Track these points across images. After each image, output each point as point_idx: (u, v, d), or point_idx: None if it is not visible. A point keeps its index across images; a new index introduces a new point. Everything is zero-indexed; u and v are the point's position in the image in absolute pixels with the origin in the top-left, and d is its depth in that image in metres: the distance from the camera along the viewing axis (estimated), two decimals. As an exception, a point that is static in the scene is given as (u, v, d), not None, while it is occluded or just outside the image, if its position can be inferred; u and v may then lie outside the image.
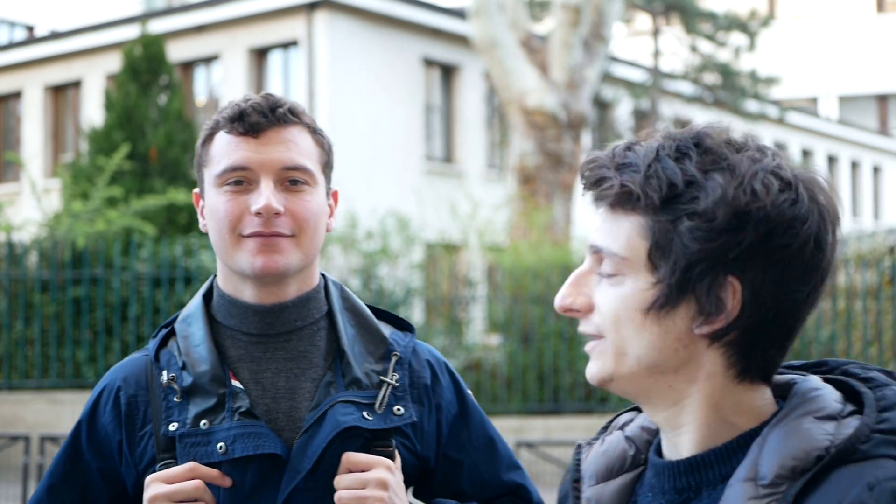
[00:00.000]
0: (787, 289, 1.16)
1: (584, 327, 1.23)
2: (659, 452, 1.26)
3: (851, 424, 1.14)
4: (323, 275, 1.90)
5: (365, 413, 1.78)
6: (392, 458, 1.78)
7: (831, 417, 1.16)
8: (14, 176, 22.41)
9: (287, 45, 19.71)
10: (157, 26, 18.35)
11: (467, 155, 21.10)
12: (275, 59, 20.06)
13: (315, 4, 18.92)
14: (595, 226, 1.24)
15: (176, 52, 18.59)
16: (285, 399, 1.79)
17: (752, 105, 23.91)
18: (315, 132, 1.84)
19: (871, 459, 1.11)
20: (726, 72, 23.38)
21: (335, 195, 1.90)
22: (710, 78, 23.82)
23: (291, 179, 1.77)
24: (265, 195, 1.74)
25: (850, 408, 1.18)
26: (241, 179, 1.77)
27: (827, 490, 1.09)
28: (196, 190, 1.89)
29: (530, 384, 11.83)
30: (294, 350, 1.81)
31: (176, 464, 1.74)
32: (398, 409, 1.81)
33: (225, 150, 1.78)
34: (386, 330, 1.90)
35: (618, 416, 1.38)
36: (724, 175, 1.15)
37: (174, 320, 1.88)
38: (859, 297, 11.84)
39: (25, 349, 12.03)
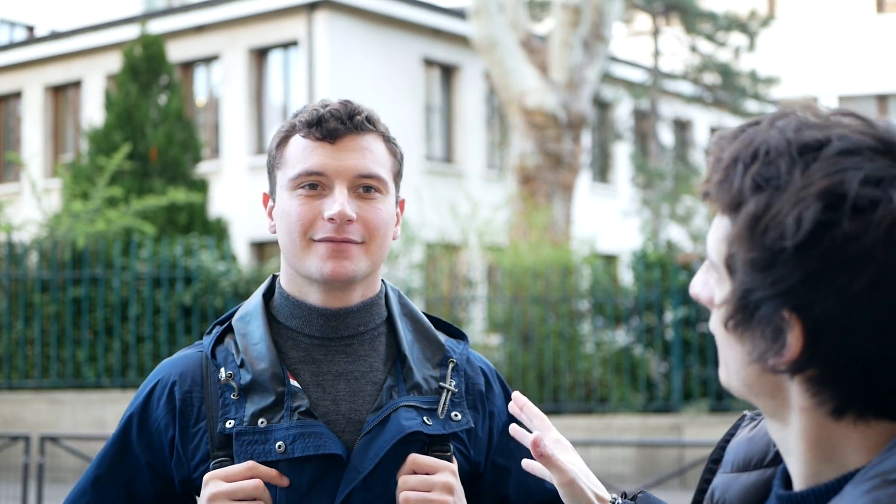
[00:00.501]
0: (869, 328, 0.99)
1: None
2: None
3: None
4: (383, 281, 1.92)
5: (426, 418, 1.79)
6: (451, 462, 1.80)
7: None
8: (14, 176, 22.42)
9: (287, 45, 19.71)
10: (157, 26, 18.36)
11: (467, 155, 21.11)
12: (275, 59, 20.07)
13: (315, 4, 18.93)
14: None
15: (176, 52, 18.59)
16: (345, 401, 1.79)
17: (751, 105, 23.91)
18: (389, 140, 1.86)
19: None
20: (726, 72, 23.37)
21: (402, 203, 1.92)
22: (710, 78, 23.81)
23: (365, 186, 1.78)
24: (339, 202, 1.75)
25: None
26: (315, 184, 1.77)
27: None
28: (265, 191, 1.89)
29: (530, 384, 11.83)
30: (355, 354, 1.82)
31: (231, 462, 1.74)
32: (456, 415, 1.83)
33: (301, 154, 1.79)
34: (441, 337, 1.92)
35: None
36: (767, 198, 1.02)
37: (230, 317, 1.88)
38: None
39: (25, 349, 12.04)
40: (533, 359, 11.88)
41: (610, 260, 19.29)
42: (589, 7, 15.31)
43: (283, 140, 1.83)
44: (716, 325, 1.09)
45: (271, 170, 1.85)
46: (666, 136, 24.61)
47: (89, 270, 11.82)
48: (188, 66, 20.67)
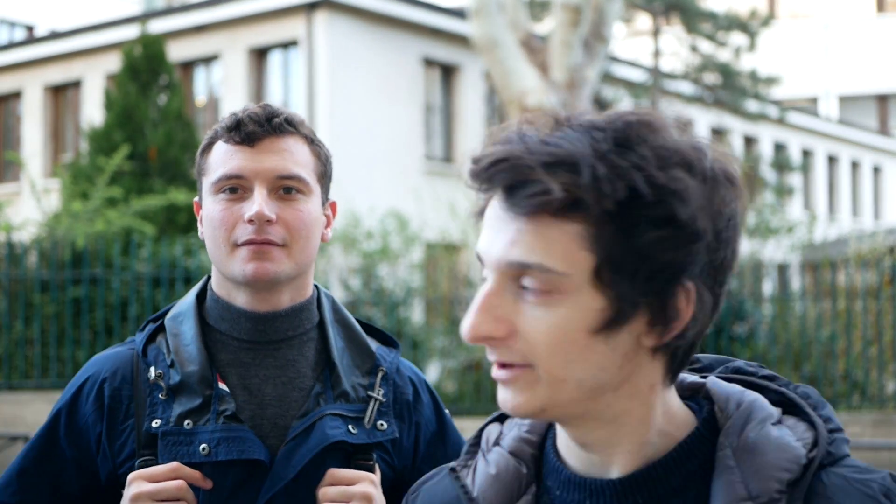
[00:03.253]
0: (721, 289, 1.07)
1: (502, 356, 1.05)
2: (555, 470, 1.15)
3: (800, 428, 1.10)
4: (316, 286, 1.92)
5: (350, 426, 1.80)
6: (373, 471, 1.81)
7: (779, 422, 1.11)
8: (14, 176, 22.42)
9: (287, 45, 19.71)
10: (156, 26, 18.35)
11: (467, 155, 21.08)
12: (275, 59, 20.06)
13: (315, 4, 18.92)
14: (504, 237, 1.04)
15: (176, 51, 18.58)
16: (272, 406, 1.80)
17: (752, 105, 23.92)
18: (312, 142, 1.85)
19: (842, 460, 1.09)
20: (726, 72, 23.37)
21: (333, 206, 1.91)
22: (711, 78, 23.81)
23: (285, 188, 1.79)
24: (258, 203, 1.75)
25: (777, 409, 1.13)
26: (235, 187, 1.79)
27: (824, 495, 1.06)
28: (196, 199, 1.91)
29: (530, 384, 11.82)
30: (283, 359, 1.83)
31: (156, 462, 1.75)
32: (381, 425, 1.84)
33: (221, 159, 1.81)
34: (373, 345, 1.92)
35: (481, 430, 1.24)
36: (687, 171, 1.02)
37: (162, 315, 1.89)
38: (859, 297, 11.84)
39: (25, 349, 12.03)
40: (533, 359, 11.87)
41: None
42: (589, 7, 15.31)
43: (207, 147, 1.85)
44: (557, 342, 1.02)
45: (198, 177, 1.87)
46: (666, 136, 24.56)
47: (89, 270, 11.81)
48: (188, 66, 20.67)
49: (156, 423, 1.77)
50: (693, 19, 22.96)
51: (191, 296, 1.88)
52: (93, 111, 20.10)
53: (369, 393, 1.85)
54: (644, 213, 1.00)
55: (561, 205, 1.00)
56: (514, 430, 1.20)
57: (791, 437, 1.09)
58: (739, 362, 1.21)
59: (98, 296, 11.74)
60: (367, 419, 1.82)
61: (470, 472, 1.20)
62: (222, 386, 1.79)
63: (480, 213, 1.12)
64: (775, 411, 1.12)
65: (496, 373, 1.07)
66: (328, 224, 1.89)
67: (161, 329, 1.87)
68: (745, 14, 23.40)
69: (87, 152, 14.10)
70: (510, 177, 1.03)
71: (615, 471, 1.10)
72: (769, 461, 1.06)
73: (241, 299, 1.82)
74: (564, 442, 1.15)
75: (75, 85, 22.14)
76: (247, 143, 1.79)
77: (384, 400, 1.86)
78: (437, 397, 1.99)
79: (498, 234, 1.05)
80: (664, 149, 1.02)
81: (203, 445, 1.74)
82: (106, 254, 11.92)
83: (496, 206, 1.07)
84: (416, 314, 12.53)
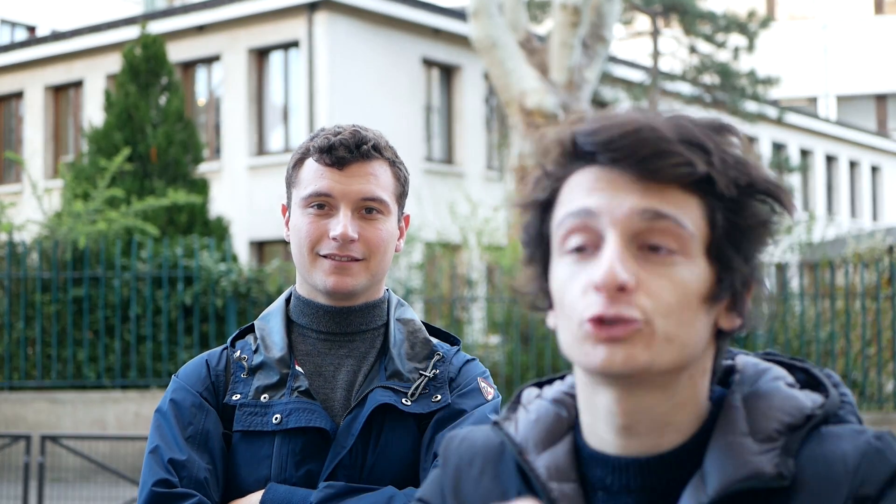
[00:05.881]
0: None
1: (624, 310, 1.07)
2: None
3: (814, 395, 1.18)
4: (387, 289, 2.15)
5: (403, 399, 1.99)
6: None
7: (793, 386, 1.19)
8: (15, 176, 22.44)
9: (287, 46, 19.72)
10: (157, 27, 18.37)
11: (467, 155, 21.12)
12: (275, 59, 20.08)
13: (315, 5, 18.94)
14: (631, 196, 1.10)
15: (176, 52, 18.61)
16: (341, 389, 2.02)
17: (750, 105, 23.93)
18: (394, 164, 2.07)
19: (846, 423, 1.16)
20: (725, 72, 23.39)
21: (406, 218, 2.14)
22: (709, 78, 23.83)
23: (367, 208, 2.02)
24: (343, 223, 1.99)
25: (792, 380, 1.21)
26: (323, 204, 2.01)
27: (820, 443, 1.12)
28: (283, 202, 2.13)
29: (530, 384, 11.85)
30: (355, 349, 2.06)
31: (230, 434, 1.98)
32: (436, 398, 2.02)
33: (312, 177, 2.02)
34: (433, 339, 2.12)
35: (520, 393, 1.30)
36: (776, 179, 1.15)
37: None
38: (858, 296, 11.87)
39: (26, 349, 12.05)
40: (532, 359, 11.91)
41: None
42: (588, 8, 15.33)
43: (299, 161, 2.07)
44: (677, 303, 1.08)
45: (288, 186, 2.09)
46: (665, 136, 24.57)
47: (90, 270, 11.84)
48: (189, 67, 20.69)
49: (236, 397, 2.00)
50: (692, 20, 22.98)
51: (280, 300, 2.13)
52: (94, 112, 20.12)
53: (421, 372, 2.04)
54: (756, 201, 1.13)
55: (694, 178, 1.10)
56: (556, 387, 1.28)
57: (801, 394, 1.17)
58: (751, 354, 1.28)
59: (99, 296, 11.76)
60: (411, 391, 2.00)
61: (512, 424, 1.26)
62: (298, 368, 2.01)
63: (556, 181, 1.17)
64: (791, 378, 1.20)
65: (600, 330, 1.08)
66: (401, 235, 2.12)
67: (250, 330, 2.11)
68: (743, 15, 23.42)
69: (88, 153, 14.12)
70: (650, 147, 1.09)
71: (647, 451, 1.15)
72: (774, 405, 1.14)
73: (321, 298, 2.06)
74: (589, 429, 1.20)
75: (76, 85, 22.16)
76: (336, 166, 2.01)
77: (432, 376, 2.04)
78: (482, 390, 2.08)
79: (618, 193, 1.11)
80: (750, 154, 1.15)
81: (276, 415, 1.95)
82: (107, 254, 11.94)
83: (608, 172, 1.12)
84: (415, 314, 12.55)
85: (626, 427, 1.14)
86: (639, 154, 1.09)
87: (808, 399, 1.17)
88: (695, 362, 1.13)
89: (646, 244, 1.09)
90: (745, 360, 1.23)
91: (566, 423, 1.23)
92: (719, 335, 1.15)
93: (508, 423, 1.26)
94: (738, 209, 1.12)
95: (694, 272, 1.09)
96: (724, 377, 1.23)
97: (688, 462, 1.14)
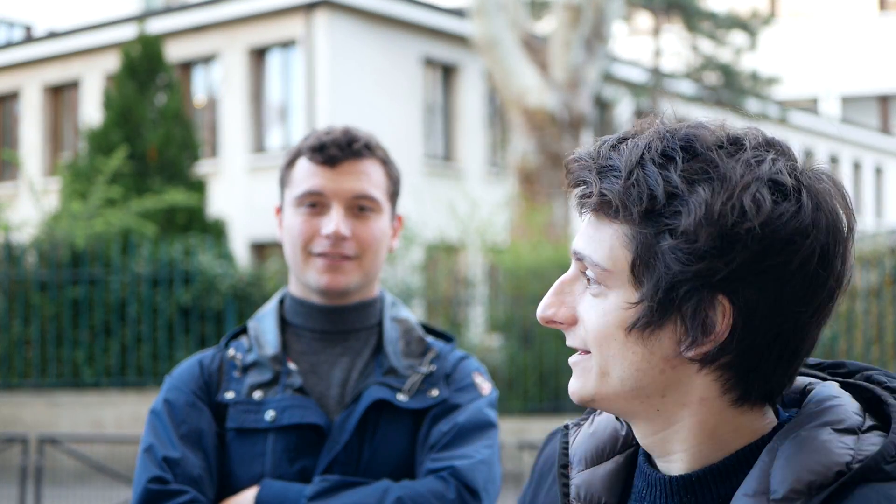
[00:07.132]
0: (786, 309, 1.05)
1: (570, 341, 1.13)
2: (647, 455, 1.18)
3: (873, 441, 1.05)
4: (384, 290, 2.17)
5: (399, 395, 2.02)
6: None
7: (851, 431, 1.06)
8: (12, 176, 22.39)
9: (286, 45, 19.67)
10: (155, 26, 18.32)
11: (467, 155, 21.07)
12: (274, 58, 20.02)
13: (314, 4, 18.89)
14: (580, 230, 1.14)
15: (174, 51, 18.55)
16: (336, 387, 2.04)
17: (753, 105, 23.89)
18: (386, 163, 2.09)
19: (893, 481, 1.02)
20: (727, 71, 23.35)
21: (399, 219, 2.16)
22: (712, 78, 23.79)
23: (360, 206, 2.04)
24: (335, 221, 2.01)
25: (870, 422, 1.08)
26: (315, 203, 2.03)
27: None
28: (277, 204, 2.13)
29: (531, 385, 11.79)
30: (350, 348, 2.08)
31: (223, 432, 2.00)
32: (433, 392, 2.04)
33: (304, 176, 2.05)
34: (428, 338, 2.14)
35: None
36: (712, 187, 1.03)
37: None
38: (861, 297, 11.81)
39: (24, 349, 12.00)
40: (533, 359, 11.84)
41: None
42: (589, 6, 15.27)
43: (291, 161, 2.08)
44: (603, 334, 1.09)
45: (281, 186, 2.11)
46: (666, 135, 24.56)
47: (88, 271, 11.78)
48: (187, 66, 20.63)
49: (229, 395, 2.02)
50: (694, 18, 22.94)
51: (273, 300, 2.15)
52: (91, 111, 20.06)
53: (416, 368, 2.06)
54: (664, 221, 1.05)
55: (603, 206, 1.09)
56: None
57: (841, 445, 1.04)
58: (879, 372, 1.16)
59: (97, 296, 11.71)
60: (407, 387, 2.02)
61: (578, 431, 1.26)
62: (291, 365, 2.04)
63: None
64: (855, 420, 1.07)
65: (571, 359, 1.15)
66: (394, 235, 2.13)
67: (244, 331, 2.13)
68: (745, 13, 23.38)
69: (86, 152, 14.07)
70: (573, 178, 1.13)
71: (675, 470, 1.13)
72: (801, 460, 1.04)
73: (315, 297, 2.08)
74: None
75: (74, 85, 22.10)
76: (328, 164, 2.03)
77: (428, 373, 2.06)
78: (477, 385, 2.10)
79: (578, 228, 1.16)
80: (703, 160, 1.06)
81: (271, 412, 1.98)
82: (105, 254, 11.89)
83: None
84: (416, 315, 12.50)
85: (647, 449, 1.15)
86: (569, 184, 1.14)
87: (849, 450, 1.04)
88: (659, 394, 1.09)
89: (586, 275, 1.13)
90: (817, 393, 1.11)
91: (621, 441, 1.21)
92: (704, 362, 1.07)
93: (577, 429, 1.26)
94: (654, 231, 1.06)
95: (616, 302, 1.08)
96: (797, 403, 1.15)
97: (727, 480, 1.10)
